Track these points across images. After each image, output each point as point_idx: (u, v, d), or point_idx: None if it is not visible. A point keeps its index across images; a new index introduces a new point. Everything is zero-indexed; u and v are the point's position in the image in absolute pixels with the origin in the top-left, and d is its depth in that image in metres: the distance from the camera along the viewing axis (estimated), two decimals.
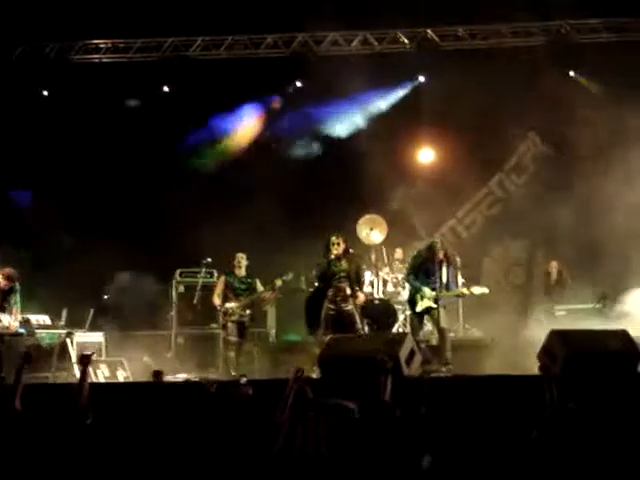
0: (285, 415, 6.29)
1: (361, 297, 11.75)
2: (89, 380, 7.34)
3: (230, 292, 12.46)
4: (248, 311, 12.40)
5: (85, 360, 7.33)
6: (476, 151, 15.37)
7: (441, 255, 11.66)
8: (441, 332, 11.48)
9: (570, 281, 14.05)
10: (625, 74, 14.29)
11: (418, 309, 11.61)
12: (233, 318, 12.30)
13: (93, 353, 8.77)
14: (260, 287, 12.53)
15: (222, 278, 12.67)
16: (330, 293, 11.59)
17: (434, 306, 11.49)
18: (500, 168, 16.39)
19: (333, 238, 11.69)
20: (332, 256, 11.62)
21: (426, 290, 11.50)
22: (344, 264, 11.68)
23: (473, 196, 16.42)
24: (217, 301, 12.50)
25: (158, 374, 7.92)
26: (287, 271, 12.52)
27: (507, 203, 16.33)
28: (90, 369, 11.50)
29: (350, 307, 11.58)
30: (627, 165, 13.98)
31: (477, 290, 11.89)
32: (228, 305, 12.37)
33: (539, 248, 16.03)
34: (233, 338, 12.31)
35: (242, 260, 12.57)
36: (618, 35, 14.87)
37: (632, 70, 14.15)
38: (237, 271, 12.57)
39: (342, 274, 11.64)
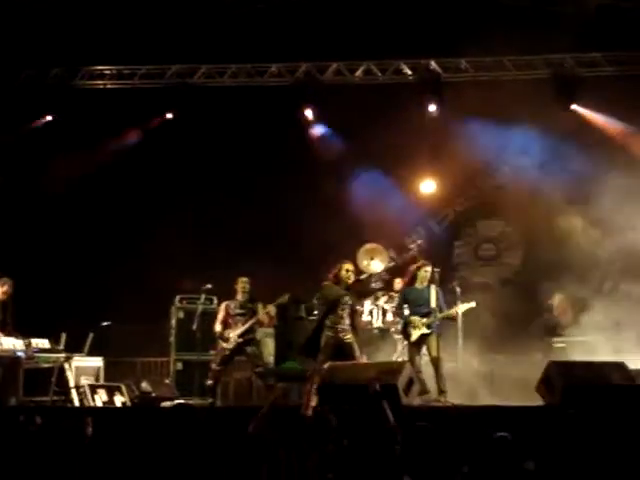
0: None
1: None
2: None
3: (230, 318, 12.31)
4: (250, 335, 12.25)
5: None
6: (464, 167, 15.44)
7: (427, 277, 11.66)
8: (436, 361, 11.41)
9: (569, 318, 13.77)
10: (627, 107, 14.39)
11: (413, 339, 11.58)
12: (230, 346, 12.16)
13: None
14: (260, 311, 12.33)
15: (223, 305, 12.51)
16: (328, 322, 11.25)
17: (427, 332, 11.46)
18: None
19: (348, 266, 11.35)
20: (344, 284, 11.24)
21: (414, 319, 11.51)
22: (349, 293, 11.35)
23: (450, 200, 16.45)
24: (217, 328, 12.36)
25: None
26: (282, 294, 12.39)
27: (480, 200, 16.30)
28: (88, 394, 11.65)
29: (349, 337, 11.36)
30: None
31: (464, 307, 11.80)
32: (225, 332, 12.25)
33: (511, 228, 16.24)
34: (215, 366, 12.28)
35: (245, 284, 12.38)
36: (619, 68, 14.96)
37: (633, 102, 14.23)
38: (238, 296, 12.39)
39: (345, 303, 11.42)
